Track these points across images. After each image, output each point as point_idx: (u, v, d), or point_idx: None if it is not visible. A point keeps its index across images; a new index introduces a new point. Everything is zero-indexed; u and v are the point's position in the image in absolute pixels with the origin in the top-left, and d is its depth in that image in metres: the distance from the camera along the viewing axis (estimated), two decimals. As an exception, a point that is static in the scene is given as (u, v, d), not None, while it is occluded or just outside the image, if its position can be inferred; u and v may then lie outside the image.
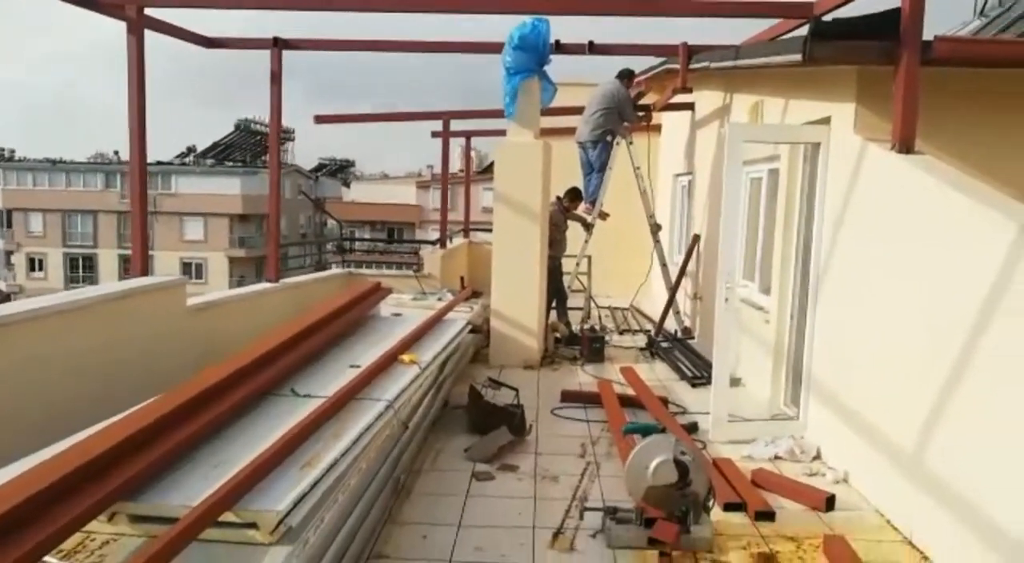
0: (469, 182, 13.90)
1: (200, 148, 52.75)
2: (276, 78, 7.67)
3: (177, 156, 51.66)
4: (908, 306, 4.06)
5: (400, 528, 3.91)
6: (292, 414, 3.57)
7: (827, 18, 5.22)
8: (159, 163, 47.88)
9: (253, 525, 2.59)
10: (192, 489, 2.70)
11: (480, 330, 7.53)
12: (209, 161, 50.61)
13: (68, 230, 47.66)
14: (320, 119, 10.33)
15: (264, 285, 7.78)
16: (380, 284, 7.08)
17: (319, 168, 61.73)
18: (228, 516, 2.59)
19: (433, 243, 12.35)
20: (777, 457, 5.02)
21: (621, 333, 9.62)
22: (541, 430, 5.59)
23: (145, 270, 6.13)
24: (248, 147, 53.45)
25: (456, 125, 11.72)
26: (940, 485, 3.63)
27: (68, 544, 2.54)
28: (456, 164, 25.60)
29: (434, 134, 11.82)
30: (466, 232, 13.36)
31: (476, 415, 5.57)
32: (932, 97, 4.43)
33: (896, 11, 4.31)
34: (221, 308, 6.60)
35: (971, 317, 3.41)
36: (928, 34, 4.40)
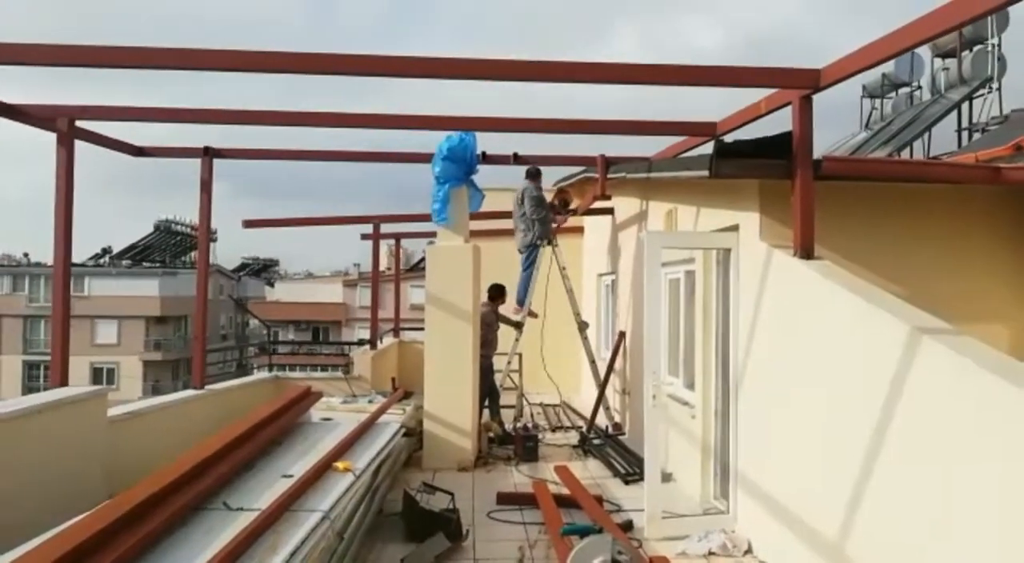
0: (399, 283, 14.03)
1: (116, 249, 51.40)
2: (206, 186, 7.75)
3: (91, 258, 50.06)
4: (820, 400, 4.35)
5: (336, 646, 3.79)
6: (225, 528, 3.48)
7: (728, 138, 5.75)
8: (72, 265, 46.13)
9: (188, 651, 2.51)
10: (123, 615, 2.61)
11: (413, 433, 7.50)
12: (126, 262, 49.21)
13: (-32, 336, 44.85)
14: (249, 223, 10.38)
15: (189, 392, 7.57)
16: (310, 389, 7.01)
17: (242, 267, 60.80)
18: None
19: (362, 344, 12.29)
20: (711, 553, 5.12)
21: (554, 430, 9.69)
22: (478, 534, 5.54)
23: (65, 380, 5.92)
24: (168, 247, 52.40)
25: (385, 228, 11.95)
26: (862, 573, 3.80)
27: None
28: (383, 262, 25.81)
29: (364, 237, 12.00)
30: (396, 332, 13.37)
31: (411, 522, 5.48)
32: (829, 205, 4.91)
33: (788, 134, 4.82)
34: (144, 418, 6.40)
35: (877, 408, 3.69)
36: (822, 143, 4.95)
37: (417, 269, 38.36)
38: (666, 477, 6.78)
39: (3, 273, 46.33)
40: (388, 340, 12.56)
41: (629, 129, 7.06)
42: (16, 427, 4.70)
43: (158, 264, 49.77)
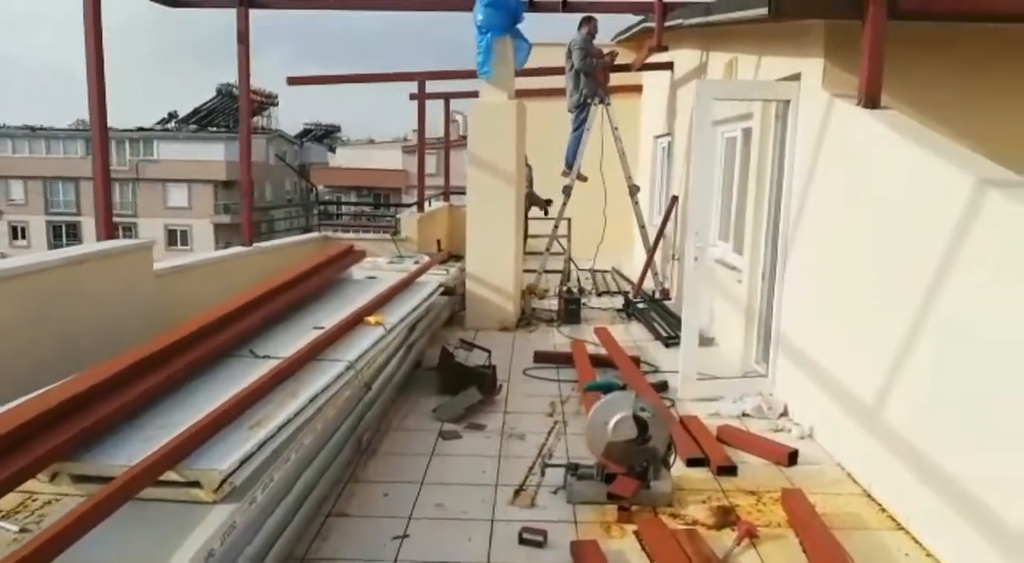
0: (448, 145, 13.73)
1: (182, 113, 51.85)
2: (243, 38, 7.47)
3: (159, 122, 50.77)
4: (872, 263, 4.05)
5: (363, 486, 3.92)
6: (248, 375, 3.53)
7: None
8: (140, 129, 47.19)
9: (197, 484, 2.57)
10: (135, 449, 2.67)
11: (453, 293, 7.50)
12: (192, 127, 49.79)
13: (50, 197, 47.00)
14: (293, 81, 10.14)
15: (237, 249, 7.69)
16: (352, 247, 7.01)
17: (305, 133, 60.85)
18: (172, 476, 2.57)
19: (410, 206, 12.23)
20: (744, 414, 5.05)
21: (600, 295, 9.62)
22: (512, 390, 5.60)
23: (111, 233, 6.00)
24: (231, 112, 52.38)
25: (434, 86, 11.53)
26: (895, 439, 3.65)
27: (8, 504, 2.52)
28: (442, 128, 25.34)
29: (412, 96, 11.63)
30: (446, 196, 13.25)
31: (446, 376, 5.56)
32: (900, 51, 4.36)
33: (863, -38, 4.21)
34: (190, 273, 6.52)
35: (931, 271, 3.40)
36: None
37: (475, 135, 37.55)
38: (708, 342, 6.67)
39: (79, 137, 47.63)
40: (437, 204, 12.46)
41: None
42: (64, 275, 4.81)
43: (223, 129, 50.20)
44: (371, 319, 4.93)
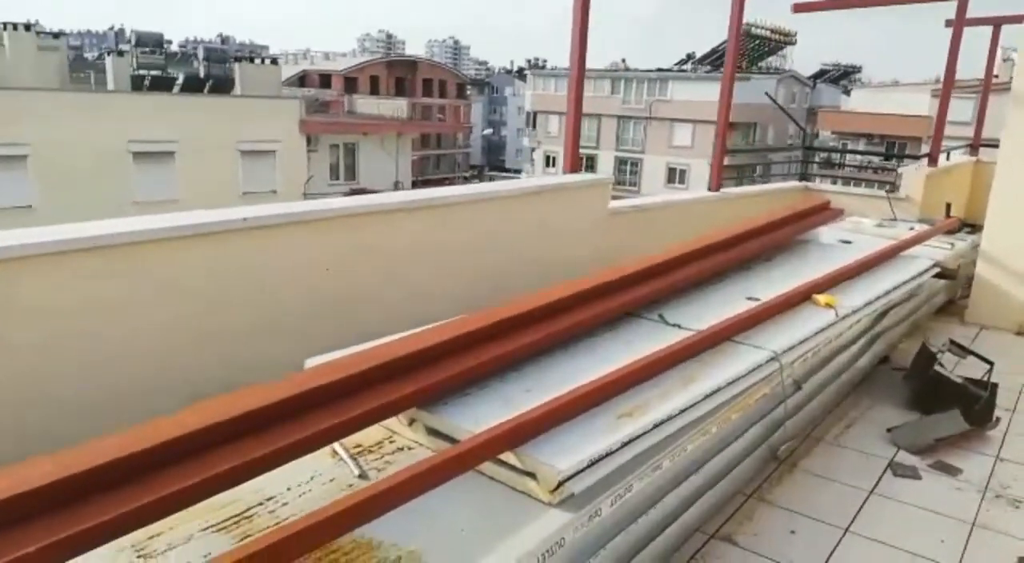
0: (988, 86, 10.84)
1: (700, 54, 53.10)
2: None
3: (677, 63, 53.00)
4: None
5: (766, 509, 3.13)
6: (647, 344, 2.99)
7: None
8: (659, 70, 50.00)
9: (533, 476, 2.16)
10: (489, 411, 2.37)
11: (953, 276, 5.77)
12: (706, 68, 50.67)
13: (576, 131, 53.41)
14: (798, 8, 8.96)
15: (700, 193, 7.19)
16: (828, 203, 5.87)
17: (820, 74, 57.03)
18: (511, 458, 2.20)
19: (920, 158, 10.05)
20: None
21: None
22: (1014, 427, 4.01)
23: (576, 167, 6.06)
24: (745, 52, 51.78)
25: (980, 9, 9.04)
26: None
27: (370, 439, 2.46)
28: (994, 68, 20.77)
29: (947, 23, 9.33)
30: (974, 148, 10.57)
31: (921, 386, 4.27)
32: None
33: None
34: (646, 214, 6.25)
35: None
36: None
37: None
38: None
39: (605, 77, 52.65)
40: (957, 157, 9.99)
41: None
42: (522, 203, 4.95)
43: (736, 69, 49.95)
44: (820, 298, 3.91)
